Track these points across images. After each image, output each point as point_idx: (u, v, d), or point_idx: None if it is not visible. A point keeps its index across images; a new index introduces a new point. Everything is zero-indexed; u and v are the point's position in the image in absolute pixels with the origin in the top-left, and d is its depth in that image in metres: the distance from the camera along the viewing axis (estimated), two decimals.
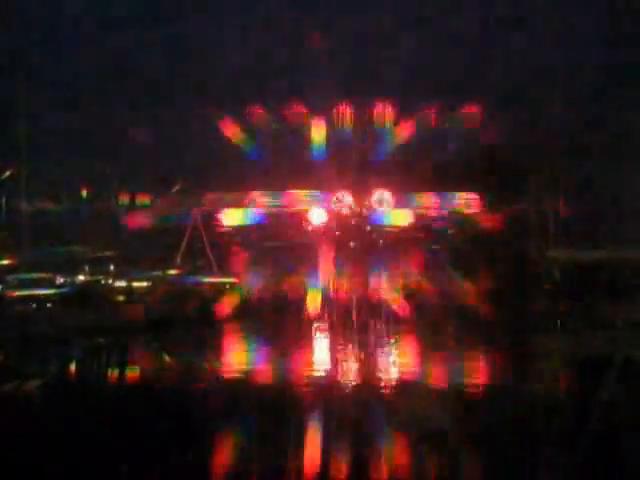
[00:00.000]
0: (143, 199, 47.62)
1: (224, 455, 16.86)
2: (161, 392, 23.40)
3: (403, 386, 23.82)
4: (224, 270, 46.49)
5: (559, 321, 34.19)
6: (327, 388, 23.46)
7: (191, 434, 17.57)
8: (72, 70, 44.48)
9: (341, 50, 47.99)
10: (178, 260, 45.78)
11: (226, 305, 41.15)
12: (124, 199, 47.09)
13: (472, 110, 45.22)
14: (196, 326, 35.92)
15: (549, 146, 42.92)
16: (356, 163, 51.03)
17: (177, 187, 49.35)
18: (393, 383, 24.53)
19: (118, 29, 46.07)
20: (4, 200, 44.78)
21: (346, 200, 51.41)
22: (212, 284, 45.21)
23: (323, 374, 26.19)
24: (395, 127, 49.28)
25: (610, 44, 42.87)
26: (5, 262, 39.97)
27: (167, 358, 31.06)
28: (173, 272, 45.80)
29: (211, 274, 46.14)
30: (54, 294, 37.02)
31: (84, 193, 45.92)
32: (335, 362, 28.49)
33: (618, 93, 41.22)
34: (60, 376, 27.27)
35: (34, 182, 41.67)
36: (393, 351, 30.84)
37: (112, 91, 45.11)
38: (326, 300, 44.25)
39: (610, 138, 41.08)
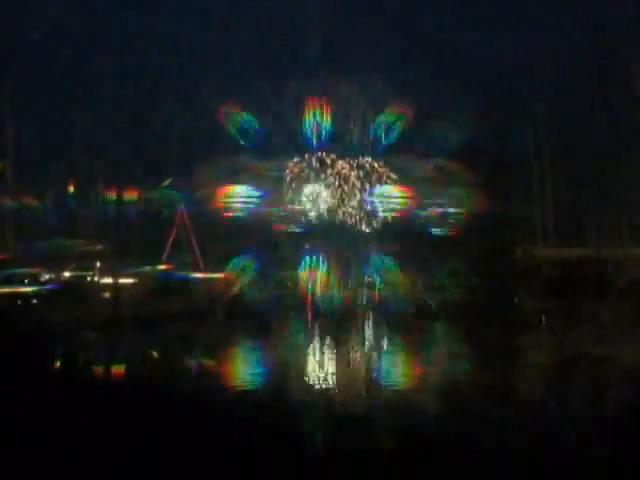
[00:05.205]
0: (131, 194, 47.44)
1: None
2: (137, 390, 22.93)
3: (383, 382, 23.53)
4: (214, 266, 46.30)
5: (543, 318, 34.07)
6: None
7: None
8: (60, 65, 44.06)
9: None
10: (165, 256, 45.72)
11: (215, 301, 40.94)
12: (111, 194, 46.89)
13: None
14: (184, 323, 35.75)
15: (534, 144, 42.88)
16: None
17: (166, 181, 49.17)
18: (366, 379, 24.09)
19: (104, 26, 45.76)
20: None
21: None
22: (201, 280, 45.10)
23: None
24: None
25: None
26: None
27: (148, 355, 30.76)
28: (162, 268, 45.71)
29: (200, 270, 46.03)
30: (38, 291, 36.89)
31: (70, 188, 45.71)
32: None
33: (607, 91, 41.03)
34: (43, 372, 26.98)
35: (19, 177, 41.56)
36: (370, 348, 30.50)
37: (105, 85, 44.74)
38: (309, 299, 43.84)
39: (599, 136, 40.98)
